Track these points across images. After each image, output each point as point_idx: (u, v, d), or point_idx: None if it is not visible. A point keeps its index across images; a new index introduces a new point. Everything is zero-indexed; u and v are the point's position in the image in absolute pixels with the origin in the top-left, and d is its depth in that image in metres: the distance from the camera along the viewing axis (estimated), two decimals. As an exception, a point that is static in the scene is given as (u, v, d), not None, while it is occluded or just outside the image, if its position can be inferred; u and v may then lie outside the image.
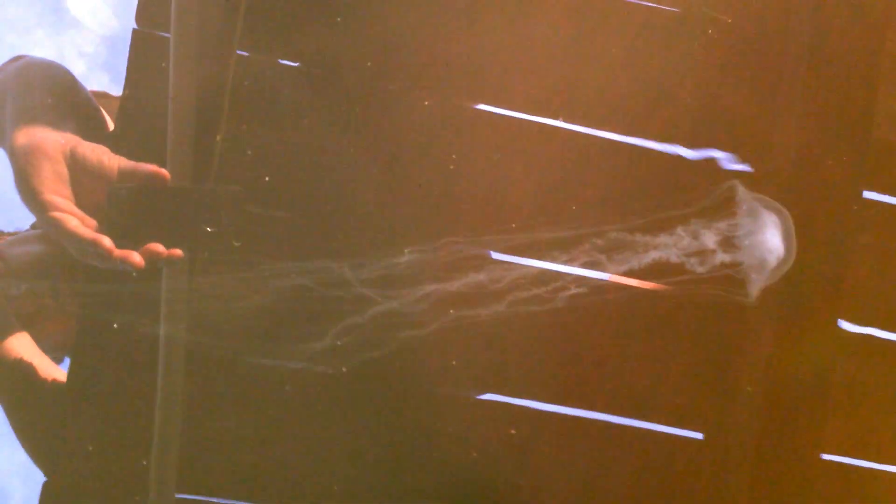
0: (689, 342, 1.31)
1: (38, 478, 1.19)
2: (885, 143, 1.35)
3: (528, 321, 1.21)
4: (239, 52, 1.18)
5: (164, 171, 1.01)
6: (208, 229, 0.98)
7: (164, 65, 1.11)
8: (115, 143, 1.17)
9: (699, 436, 1.33)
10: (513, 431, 1.26)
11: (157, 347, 1.04)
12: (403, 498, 1.24)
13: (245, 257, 1.13)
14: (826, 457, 1.35)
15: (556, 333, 1.27)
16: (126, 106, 1.15)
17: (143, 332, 1.08)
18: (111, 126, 1.45)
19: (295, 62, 1.23)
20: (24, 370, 1.21)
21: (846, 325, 1.35)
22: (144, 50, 1.15)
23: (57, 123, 1.12)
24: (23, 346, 1.22)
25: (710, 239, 0.96)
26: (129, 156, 1.12)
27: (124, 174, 1.03)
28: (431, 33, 1.25)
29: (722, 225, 0.95)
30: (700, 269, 0.97)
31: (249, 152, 1.22)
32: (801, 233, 1.26)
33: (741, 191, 0.97)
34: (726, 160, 1.32)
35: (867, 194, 1.34)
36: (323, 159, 1.22)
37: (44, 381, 1.22)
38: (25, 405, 1.24)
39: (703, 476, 1.31)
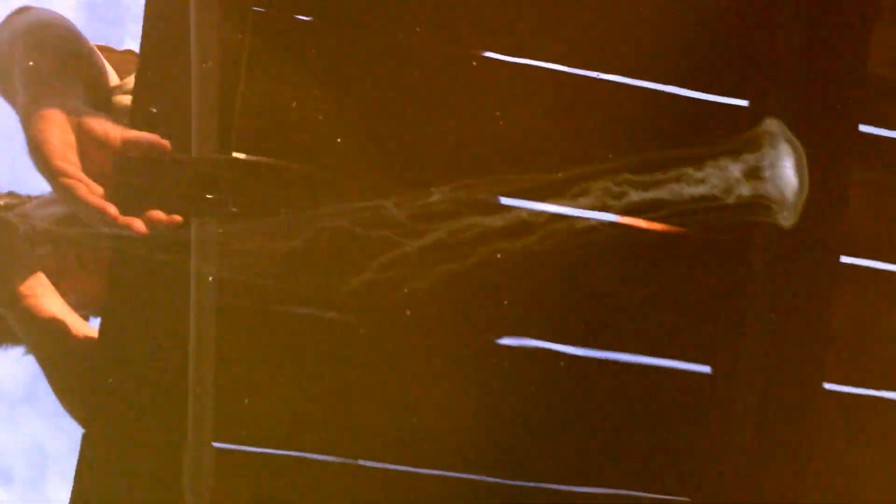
0: (696, 280, 1.35)
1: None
2: (879, 79, 1.37)
3: (537, 262, 1.24)
4: (255, 8, 1.20)
5: (164, 142, 1.05)
6: (208, 196, 1.02)
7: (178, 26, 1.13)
8: (135, 102, 1.19)
9: (707, 369, 1.37)
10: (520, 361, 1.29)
11: (189, 297, 1.07)
12: (441, 449, 1.28)
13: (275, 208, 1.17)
14: (828, 386, 1.39)
15: (565, 273, 1.30)
16: (144, 69, 1.17)
17: (174, 282, 1.11)
18: (115, 80, 1.48)
19: (308, 17, 1.25)
20: (56, 327, 1.25)
21: (846, 259, 1.38)
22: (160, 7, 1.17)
23: (65, 88, 1.15)
24: (55, 304, 1.26)
25: (734, 170, 1.00)
26: (148, 117, 1.15)
27: (127, 143, 1.07)
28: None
29: (746, 158, 0.99)
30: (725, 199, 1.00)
31: (262, 108, 1.25)
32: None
33: (771, 123, 1.00)
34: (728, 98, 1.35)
35: (863, 128, 1.37)
36: (335, 111, 1.25)
37: (76, 339, 1.26)
38: (59, 361, 1.28)
39: (711, 409, 1.36)
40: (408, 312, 1.22)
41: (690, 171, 1.00)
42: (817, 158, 1.29)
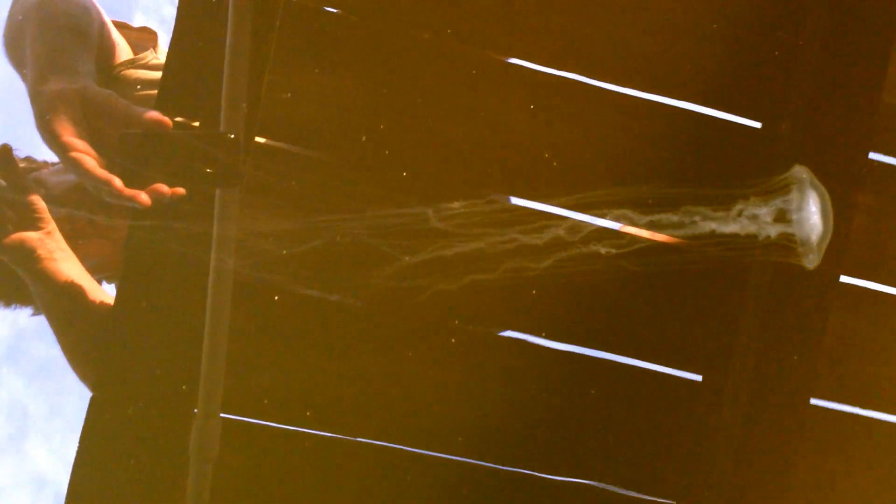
0: (692, 292, 1.38)
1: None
2: (892, 108, 1.40)
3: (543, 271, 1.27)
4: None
5: (166, 119, 1.08)
6: (208, 171, 1.05)
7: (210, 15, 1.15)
8: (164, 84, 1.21)
9: (698, 377, 1.40)
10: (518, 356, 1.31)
11: (206, 272, 1.10)
12: (437, 432, 1.32)
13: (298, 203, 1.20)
14: (815, 402, 1.42)
15: (569, 280, 1.33)
16: (175, 51, 1.20)
17: (191, 257, 1.14)
18: (129, 54, 1.50)
19: (336, 9, 1.27)
20: (73, 291, 1.27)
21: (845, 279, 1.41)
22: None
23: (74, 63, 1.18)
24: (72, 268, 1.28)
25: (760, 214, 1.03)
26: (178, 97, 1.18)
27: (131, 119, 1.10)
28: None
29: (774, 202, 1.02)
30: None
31: (288, 95, 1.27)
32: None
33: (800, 172, 1.03)
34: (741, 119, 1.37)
35: (873, 155, 1.40)
36: (355, 108, 1.27)
37: (91, 303, 1.29)
38: (73, 324, 1.30)
39: (700, 416, 1.39)
40: (414, 302, 1.25)
41: (719, 212, 1.04)
42: (824, 182, 1.32)
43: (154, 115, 1.09)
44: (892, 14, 1.36)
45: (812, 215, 1.01)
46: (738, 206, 1.01)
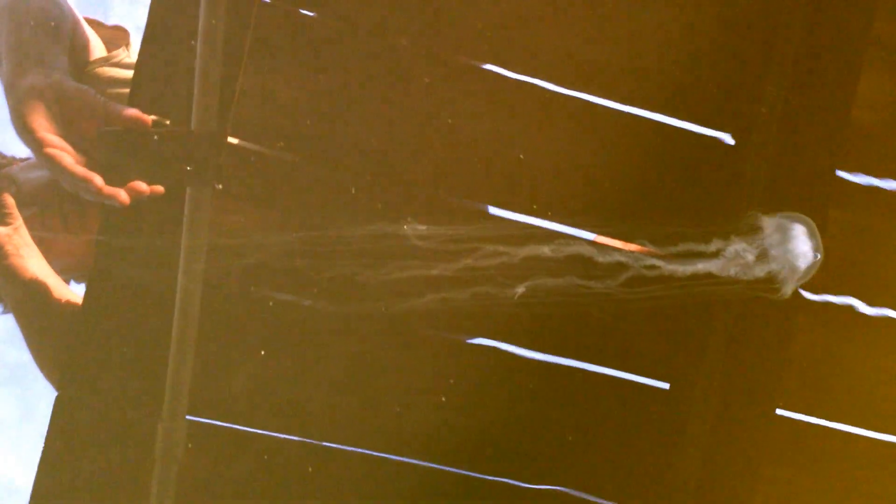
0: (661, 301, 1.39)
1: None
2: (861, 125, 1.41)
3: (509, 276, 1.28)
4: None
5: (145, 116, 1.08)
6: (188, 168, 1.05)
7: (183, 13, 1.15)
8: (136, 82, 1.21)
9: (665, 386, 1.41)
10: (488, 363, 1.32)
11: (175, 274, 1.10)
12: (404, 437, 1.32)
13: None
14: (781, 412, 1.44)
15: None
16: (147, 49, 1.19)
17: (161, 259, 1.14)
18: (102, 52, 1.49)
19: (312, 12, 1.27)
20: (39, 289, 1.27)
21: (810, 296, 1.42)
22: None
23: (49, 59, 1.17)
24: (39, 266, 1.28)
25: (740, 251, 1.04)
26: (150, 96, 1.17)
27: (110, 116, 1.09)
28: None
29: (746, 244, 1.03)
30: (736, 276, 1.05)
31: (262, 97, 1.27)
32: (775, 201, 1.33)
33: (763, 217, 1.05)
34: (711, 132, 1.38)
35: (840, 173, 1.41)
36: (333, 110, 1.27)
37: (57, 302, 1.28)
38: (39, 323, 1.29)
39: (667, 424, 1.40)
40: (384, 308, 1.26)
41: (705, 247, 1.05)
42: (792, 198, 1.34)
43: (133, 112, 1.09)
44: (862, 32, 1.38)
45: (800, 258, 1.02)
46: (720, 245, 1.02)
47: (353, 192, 1.25)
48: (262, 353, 1.24)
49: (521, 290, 1.10)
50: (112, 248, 1.19)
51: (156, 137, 1.07)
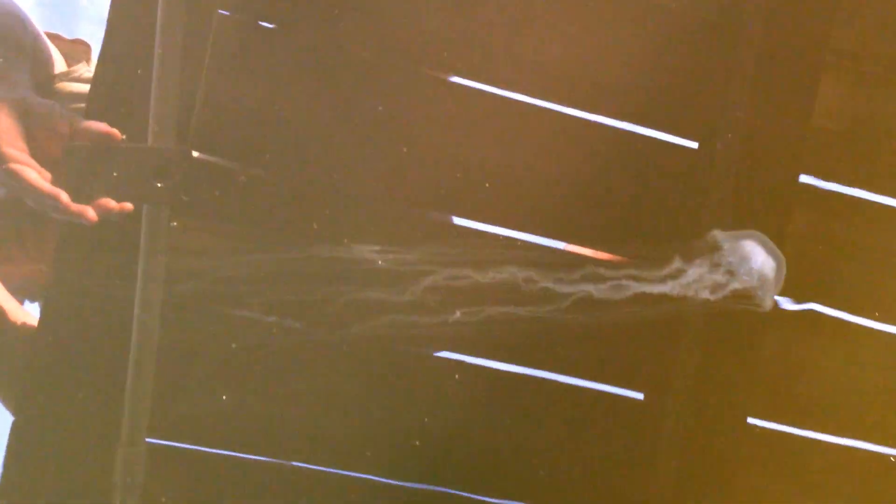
0: (635, 311, 1.38)
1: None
2: (822, 131, 1.42)
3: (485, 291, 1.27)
4: (221, 11, 1.21)
5: (114, 131, 1.06)
6: (158, 185, 1.03)
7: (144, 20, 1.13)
8: (93, 94, 1.19)
9: (639, 395, 1.41)
10: (457, 376, 1.32)
11: (133, 294, 1.07)
12: (374, 455, 1.30)
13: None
14: (752, 420, 1.44)
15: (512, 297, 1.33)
16: (104, 63, 1.17)
17: (119, 278, 1.12)
18: (63, 67, 1.47)
19: (272, 24, 1.26)
20: (-7, 312, 1.24)
21: (783, 302, 1.43)
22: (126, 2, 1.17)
23: (12, 74, 1.15)
24: (-7, 287, 1.25)
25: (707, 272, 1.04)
26: (107, 109, 1.15)
27: (77, 131, 1.07)
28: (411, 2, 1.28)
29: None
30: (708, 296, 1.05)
31: (223, 110, 1.25)
32: (739, 207, 1.34)
33: (720, 235, 1.05)
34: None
35: (803, 178, 1.42)
36: (295, 123, 1.26)
37: (13, 324, 1.25)
38: (-6, 347, 1.26)
39: (641, 433, 1.39)
40: (347, 326, 1.24)
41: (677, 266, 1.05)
42: (756, 204, 1.34)
43: (103, 126, 1.06)
44: (820, 40, 1.39)
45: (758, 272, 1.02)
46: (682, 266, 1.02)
47: (319, 209, 1.24)
48: (224, 373, 1.22)
49: (489, 307, 1.10)
50: (69, 267, 1.17)
51: (123, 153, 1.04)
